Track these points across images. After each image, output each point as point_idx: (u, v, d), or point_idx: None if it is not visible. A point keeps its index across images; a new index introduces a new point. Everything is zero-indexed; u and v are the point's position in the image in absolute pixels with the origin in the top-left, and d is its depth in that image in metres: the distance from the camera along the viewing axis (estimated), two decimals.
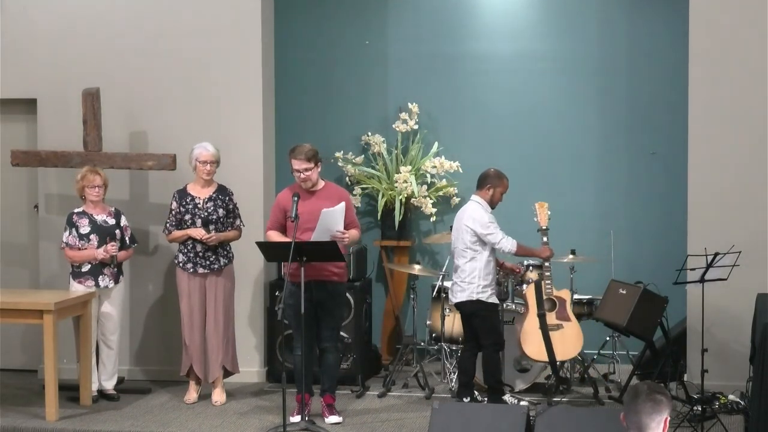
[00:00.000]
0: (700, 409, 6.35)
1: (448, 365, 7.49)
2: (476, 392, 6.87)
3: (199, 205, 7.09)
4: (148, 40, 7.80)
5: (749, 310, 6.78)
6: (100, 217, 7.16)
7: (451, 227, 7.78)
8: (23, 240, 8.17)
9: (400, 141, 8.45)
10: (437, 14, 8.54)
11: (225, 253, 7.18)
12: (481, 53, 8.48)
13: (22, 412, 6.89)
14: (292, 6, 8.51)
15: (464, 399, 6.74)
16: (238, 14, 7.71)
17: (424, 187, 8.38)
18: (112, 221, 7.18)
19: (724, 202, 7.24)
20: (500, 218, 6.83)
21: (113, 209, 7.28)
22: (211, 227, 7.07)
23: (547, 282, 6.84)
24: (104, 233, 7.10)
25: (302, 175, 6.64)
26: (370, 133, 8.51)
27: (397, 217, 8.27)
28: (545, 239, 6.84)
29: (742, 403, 6.71)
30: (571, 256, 7.54)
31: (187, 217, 7.09)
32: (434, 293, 7.60)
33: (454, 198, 8.44)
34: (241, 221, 7.25)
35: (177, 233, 7.12)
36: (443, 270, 7.66)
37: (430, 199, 8.36)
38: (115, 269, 7.15)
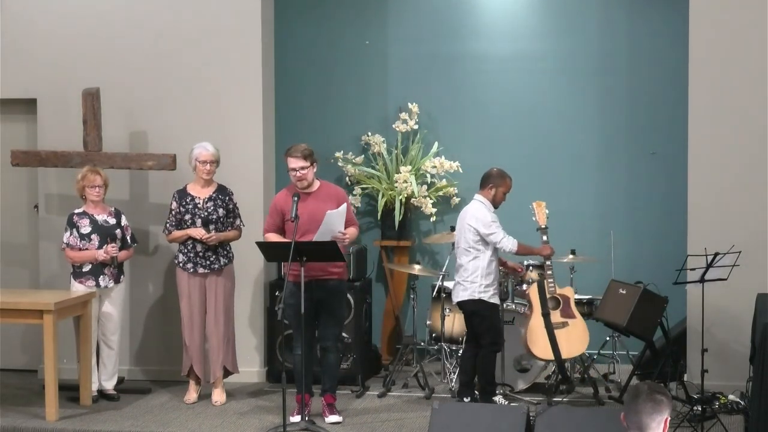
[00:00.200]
0: (700, 409, 6.34)
1: (448, 365, 7.49)
2: (477, 392, 6.86)
3: (199, 205, 7.09)
4: (148, 40, 7.80)
5: (749, 310, 6.78)
6: (100, 217, 7.16)
7: (452, 227, 7.83)
8: (23, 240, 8.17)
9: (400, 141, 8.45)
10: (437, 14, 8.54)
11: (225, 253, 7.18)
12: (481, 53, 8.48)
13: (22, 412, 6.89)
14: (292, 6, 8.51)
15: (464, 399, 6.74)
16: (238, 15, 7.71)
17: (424, 187, 8.38)
18: (112, 221, 7.18)
19: (724, 202, 7.24)
20: (501, 218, 6.83)
21: (113, 209, 7.28)
22: (211, 227, 7.07)
23: (549, 281, 6.84)
24: (105, 233, 7.10)
25: (298, 174, 6.64)
26: (370, 133, 8.52)
27: (397, 217, 8.27)
28: (545, 238, 6.84)
29: (742, 403, 6.71)
30: (571, 256, 7.54)
31: (187, 217, 7.09)
32: (434, 293, 7.61)
33: (454, 198, 8.45)
34: (241, 221, 7.25)
35: (177, 233, 7.12)
36: (443, 270, 7.66)
37: (430, 199, 8.37)
38: (116, 269, 7.15)
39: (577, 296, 7.37)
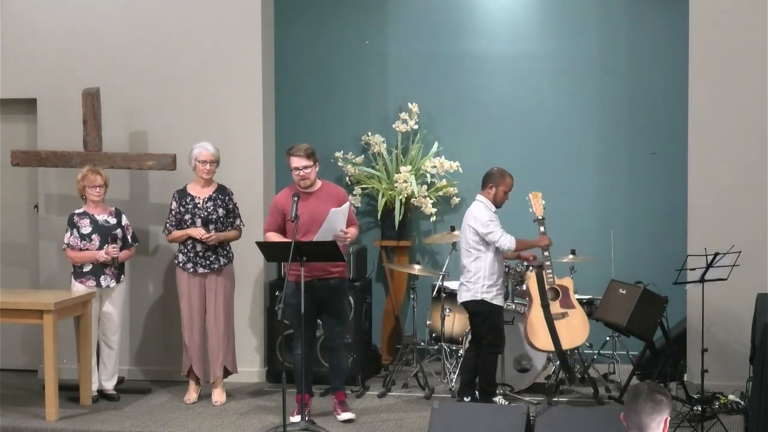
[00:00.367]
0: (700, 409, 6.34)
1: (448, 365, 7.49)
2: (477, 392, 6.86)
3: (198, 205, 7.09)
4: (148, 40, 7.80)
5: (749, 310, 6.78)
6: (101, 217, 7.16)
7: (452, 227, 7.86)
8: (23, 240, 8.17)
9: (400, 141, 8.45)
10: (437, 14, 8.55)
11: (225, 252, 7.18)
12: (481, 53, 8.48)
13: (22, 412, 6.89)
14: (292, 6, 8.51)
15: (465, 398, 6.74)
16: (238, 14, 7.71)
17: (424, 187, 8.38)
18: (113, 221, 7.18)
19: (724, 202, 7.24)
20: (502, 216, 6.82)
21: (114, 209, 7.28)
22: (211, 227, 7.07)
23: (548, 272, 6.81)
24: (106, 233, 7.10)
25: (301, 173, 6.64)
26: (370, 133, 8.52)
27: (397, 217, 8.27)
28: (542, 229, 6.81)
29: (742, 403, 6.71)
30: (571, 256, 7.54)
31: (187, 216, 7.09)
32: (434, 293, 7.61)
33: (454, 198, 8.45)
34: (241, 221, 7.25)
35: (177, 233, 7.12)
36: (443, 270, 7.66)
37: (430, 199, 8.37)
38: (117, 269, 7.15)
39: (577, 296, 7.36)
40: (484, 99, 8.49)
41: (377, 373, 7.97)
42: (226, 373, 7.28)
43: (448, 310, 7.49)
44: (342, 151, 8.48)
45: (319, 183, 6.78)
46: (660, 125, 8.23)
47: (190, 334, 7.17)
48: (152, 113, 7.79)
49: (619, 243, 7.85)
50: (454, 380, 7.33)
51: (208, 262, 7.10)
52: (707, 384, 6.42)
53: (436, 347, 7.76)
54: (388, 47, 8.60)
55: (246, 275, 7.63)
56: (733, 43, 7.22)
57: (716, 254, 6.30)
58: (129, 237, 7.28)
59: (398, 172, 8.31)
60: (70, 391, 7.13)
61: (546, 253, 6.83)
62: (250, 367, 7.72)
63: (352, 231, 6.73)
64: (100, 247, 7.07)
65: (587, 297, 7.48)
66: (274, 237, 6.72)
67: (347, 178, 8.48)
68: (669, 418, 3.60)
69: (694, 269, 6.36)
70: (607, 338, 7.60)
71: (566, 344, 6.81)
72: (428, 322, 7.74)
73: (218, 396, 7.19)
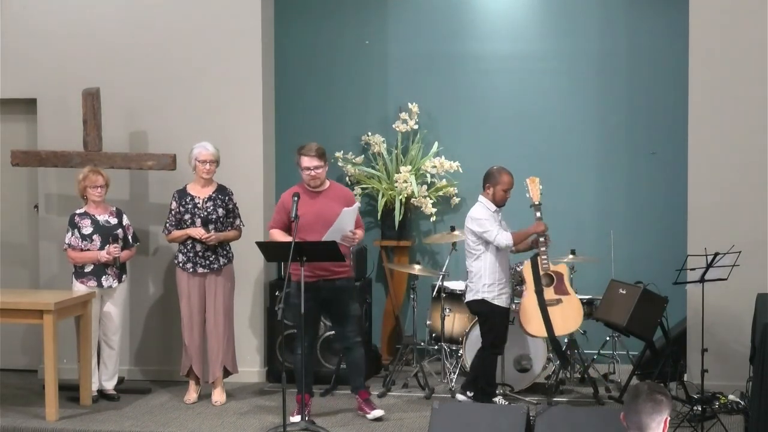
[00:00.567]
0: (700, 409, 6.34)
1: (448, 365, 7.49)
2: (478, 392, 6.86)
3: (198, 205, 7.09)
4: (148, 40, 7.80)
5: (749, 310, 6.78)
6: (102, 218, 7.16)
7: (452, 227, 7.87)
8: (23, 240, 8.17)
9: (400, 141, 8.45)
10: (437, 14, 8.55)
11: (225, 253, 7.18)
12: (481, 53, 8.48)
13: (22, 412, 6.89)
14: (292, 6, 8.51)
15: (467, 393, 6.74)
16: (238, 14, 7.71)
17: (424, 187, 8.38)
18: (114, 221, 7.18)
19: (724, 202, 7.24)
20: (505, 214, 6.81)
21: (115, 209, 7.28)
22: (211, 227, 7.07)
23: (543, 257, 6.77)
24: (107, 233, 7.10)
25: (312, 173, 6.64)
26: (370, 133, 8.52)
27: (397, 217, 8.27)
28: (538, 214, 6.73)
29: (742, 403, 6.71)
30: (571, 256, 7.53)
31: (187, 216, 7.09)
32: (434, 293, 7.61)
33: (454, 198, 8.45)
34: (241, 221, 7.25)
35: (176, 233, 7.12)
36: (443, 270, 7.66)
37: (430, 199, 8.37)
38: (118, 269, 7.15)
39: (576, 296, 7.37)
40: (484, 99, 8.49)
41: (377, 373, 7.97)
42: (226, 373, 7.28)
43: (448, 310, 7.49)
44: (342, 151, 8.48)
45: (327, 183, 6.79)
46: (660, 125, 8.23)
47: (189, 334, 7.17)
48: (152, 113, 7.79)
49: (619, 243, 7.85)
50: (454, 380, 7.33)
51: (207, 262, 7.10)
52: (707, 384, 6.42)
53: (436, 347, 7.76)
54: (388, 47, 8.60)
55: (246, 275, 7.63)
56: (733, 43, 7.22)
57: (716, 254, 6.30)
58: (130, 237, 7.28)
59: (398, 172, 8.31)
60: (70, 391, 7.13)
61: (542, 239, 6.78)
62: (250, 367, 7.72)
63: (360, 232, 6.73)
64: (101, 248, 7.07)
65: (587, 297, 7.47)
66: (279, 235, 6.71)
67: (347, 178, 8.48)
68: (669, 418, 3.60)
69: (694, 269, 6.36)
70: (607, 338, 7.60)
71: (559, 330, 6.75)
72: (428, 322, 7.74)
73: (218, 396, 7.19)
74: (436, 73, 8.53)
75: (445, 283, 7.58)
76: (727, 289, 6.67)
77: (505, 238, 6.62)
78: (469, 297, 6.80)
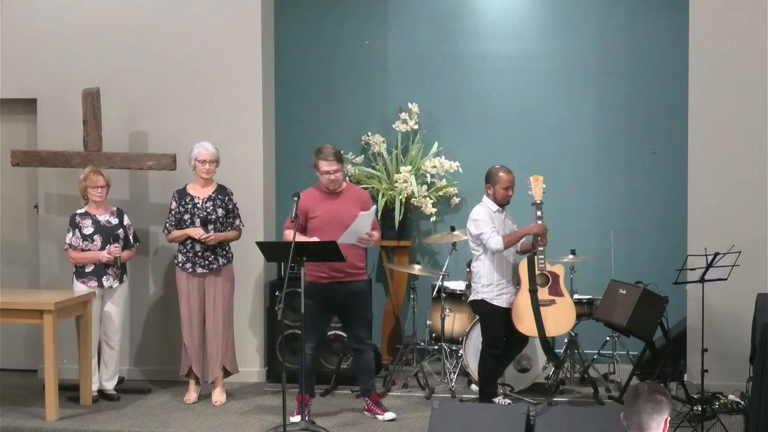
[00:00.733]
0: (700, 409, 6.34)
1: (448, 365, 7.49)
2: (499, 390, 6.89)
3: (198, 205, 7.09)
4: (148, 40, 7.79)
5: (749, 310, 6.78)
6: (103, 218, 7.16)
7: (452, 227, 7.88)
8: (23, 240, 8.17)
9: (400, 141, 8.45)
10: (437, 14, 8.55)
11: (224, 253, 7.18)
12: (480, 53, 8.48)
13: (22, 412, 6.89)
14: (292, 6, 8.51)
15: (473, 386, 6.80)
16: (238, 14, 7.71)
17: (424, 187, 8.38)
18: (115, 221, 7.18)
19: (724, 202, 7.24)
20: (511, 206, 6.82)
21: (116, 209, 7.28)
22: (210, 227, 7.07)
23: (540, 257, 6.74)
24: (108, 233, 7.10)
25: (331, 177, 6.64)
26: (370, 133, 8.52)
27: (397, 217, 8.27)
28: (539, 213, 6.70)
29: (742, 403, 6.71)
30: (571, 256, 7.53)
31: (186, 216, 7.09)
32: (434, 293, 7.61)
33: (454, 198, 8.45)
34: (240, 221, 7.24)
35: (176, 233, 7.12)
36: (443, 270, 7.66)
37: (430, 199, 8.37)
38: (119, 269, 7.16)
39: (577, 296, 7.38)
40: (484, 99, 8.49)
41: (377, 373, 7.94)
42: (226, 373, 7.28)
43: (448, 310, 7.49)
44: (342, 151, 8.46)
45: (344, 184, 6.79)
46: (660, 125, 8.24)
47: (189, 335, 7.17)
48: (152, 113, 7.79)
49: (619, 243, 7.85)
50: (453, 380, 7.33)
51: (206, 262, 7.10)
52: (707, 384, 6.42)
53: (436, 347, 7.76)
54: (388, 47, 8.61)
55: (246, 275, 7.63)
56: (733, 43, 7.22)
57: (716, 254, 6.30)
58: (131, 237, 7.28)
59: (398, 172, 8.31)
60: (70, 391, 7.13)
61: (539, 239, 6.74)
62: (250, 367, 7.72)
63: (376, 234, 6.72)
64: (102, 248, 7.07)
65: (587, 297, 7.48)
66: (292, 235, 6.66)
67: (347, 178, 8.47)
68: (669, 418, 3.60)
69: (694, 269, 6.36)
70: (607, 338, 7.60)
71: (550, 332, 6.69)
72: (428, 322, 7.74)
73: (218, 396, 7.19)
74: (436, 73, 8.53)
75: (445, 283, 7.58)
76: (727, 289, 6.67)
77: (495, 243, 6.58)
78: (471, 297, 6.81)
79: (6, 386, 7.60)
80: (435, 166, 8.34)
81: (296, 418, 6.51)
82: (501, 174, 6.71)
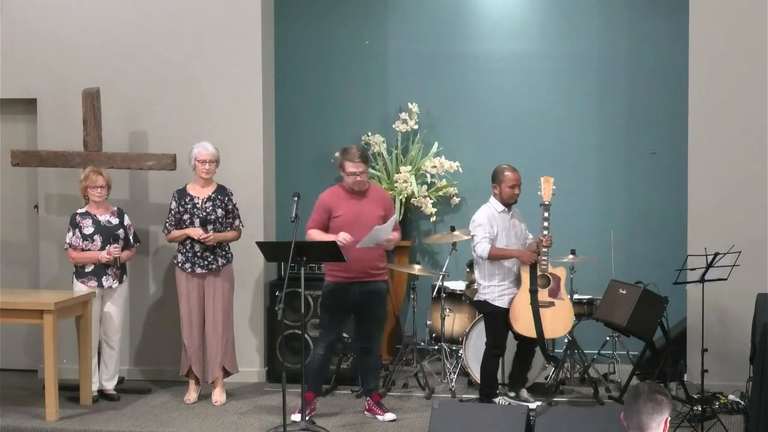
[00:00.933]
0: (700, 409, 6.34)
1: (448, 365, 7.49)
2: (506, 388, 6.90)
3: (197, 205, 7.09)
4: (148, 40, 7.79)
5: (749, 310, 6.78)
6: (103, 218, 7.16)
7: (452, 227, 7.87)
8: (23, 240, 8.17)
9: (400, 141, 8.45)
10: (437, 14, 8.55)
11: (223, 253, 7.17)
12: (481, 53, 8.48)
13: (22, 412, 6.89)
14: (292, 6, 8.51)
15: (509, 393, 6.83)
16: (238, 14, 7.70)
17: (424, 187, 8.38)
18: (115, 221, 7.18)
19: (724, 202, 7.24)
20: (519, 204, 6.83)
21: (116, 209, 7.28)
22: (210, 227, 7.07)
23: (542, 258, 6.76)
24: (108, 233, 7.10)
25: (358, 178, 6.62)
26: (370, 133, 8.52)
27: (397, 217, 8.26)
28: (546, 214, 6.69)
29: (742, 403, 6.71)
30: (571, 256, 7.53)
31: (186, 216, 7.09)
32: (434, 293, 7.61)
33: (454, 198, 8.45)
34: (240, 222, 7.24)
35: (176, 233, 7.12)
36: (443, 270, 7.66)
37: (430, 199, 8.37)
38: (119, 269, 7.15)
39: (577, 296, 7.38)
40: (484, 99, 8.49)
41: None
42: (226, 373, 7.28)
43: (448, 310, 7.49)
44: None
45: (367, 184, 6.78)
46: (660, 125, 8.24)
47: (189, 335, 7.17)
48: (152, 113, 7.79)
49: (619, 243, 7.85)
50: (453, 380, 7.33)
51: (206, 262, 7.09)
52: (707, 384, 6.42)
53: (436, 347, 7.76)
54: (388, 47, 8.61)
55: (246, 275, 7.62)
56: (733, 43, 7.22)
57: (716, 254, 6.30)
58: (131, 237, 7.28)
59: (398, 172, 8.31)
60: (70, 391, 7.13)
61: (543, 240, 6.71)
62: (250, 367, 7.72)
63: (396, 235, 6.69)
64: (102, 248, 7.07)
65: (587, 297, 7.48)
66: (317, 234, 6.65)
67: None
68: (669, 418, 3.60)
69: (694, 269, 6.36)
70: (607, 338, 7.60)
71: (547, 333, 6.70)
72: (428, 322, 7.75)
73: (218, 396, 7.19)
74: (436, 73, 8.53)
75: (445, 283, 7.58)
76: (727, 289, 6.66)
77: (481, 249, 6.58)
78: (476, 297, 6.83)
79: (6, 386, 7.60)
80: (435, 166, 8.34)
81: (296, 417, 6.51)
82: (507, 173, 6.71)
